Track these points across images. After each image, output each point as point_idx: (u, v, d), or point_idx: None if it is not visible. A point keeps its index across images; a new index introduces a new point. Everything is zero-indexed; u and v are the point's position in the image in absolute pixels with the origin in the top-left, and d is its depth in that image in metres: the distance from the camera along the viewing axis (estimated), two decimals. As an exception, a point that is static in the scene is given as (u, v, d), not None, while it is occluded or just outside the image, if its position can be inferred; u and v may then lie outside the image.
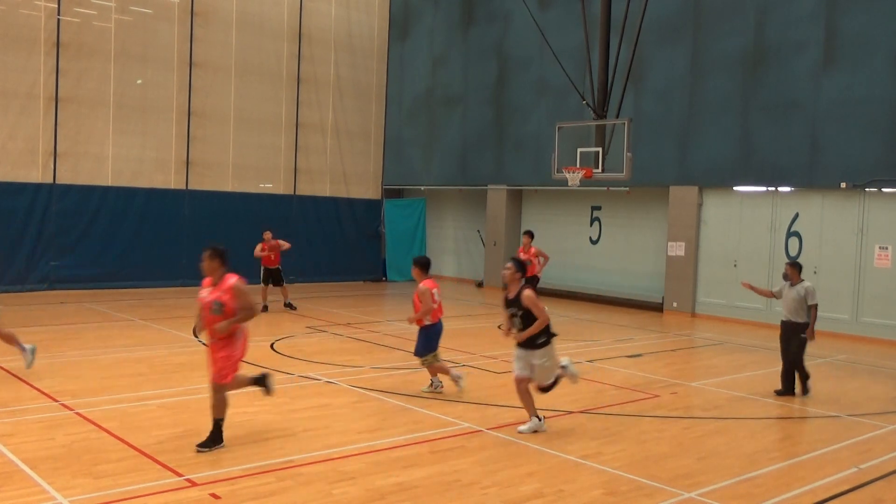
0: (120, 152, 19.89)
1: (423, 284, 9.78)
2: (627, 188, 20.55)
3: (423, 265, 9.97)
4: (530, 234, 16.67)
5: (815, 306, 10.73)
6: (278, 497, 6.28)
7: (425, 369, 10.15)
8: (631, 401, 10.19)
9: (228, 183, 21.75)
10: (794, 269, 10.98)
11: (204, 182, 21.24)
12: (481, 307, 20.05)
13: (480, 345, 13.96)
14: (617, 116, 16.47)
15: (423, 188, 26.86)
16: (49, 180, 18.87)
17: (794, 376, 10.91)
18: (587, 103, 16.94)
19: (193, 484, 6.47)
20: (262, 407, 8.98)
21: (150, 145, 20.36)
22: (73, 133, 19.14)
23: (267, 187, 22.68)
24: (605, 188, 21.08)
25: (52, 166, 18.91)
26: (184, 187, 20.92)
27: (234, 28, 21.64)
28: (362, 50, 24.46)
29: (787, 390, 10.86)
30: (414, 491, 6.54)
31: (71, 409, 8.59)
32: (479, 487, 6.71)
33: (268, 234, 17.53)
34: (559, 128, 17.12)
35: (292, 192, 23.11)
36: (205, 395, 9.38)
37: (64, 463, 6.84)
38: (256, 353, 12.19)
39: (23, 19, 18.31)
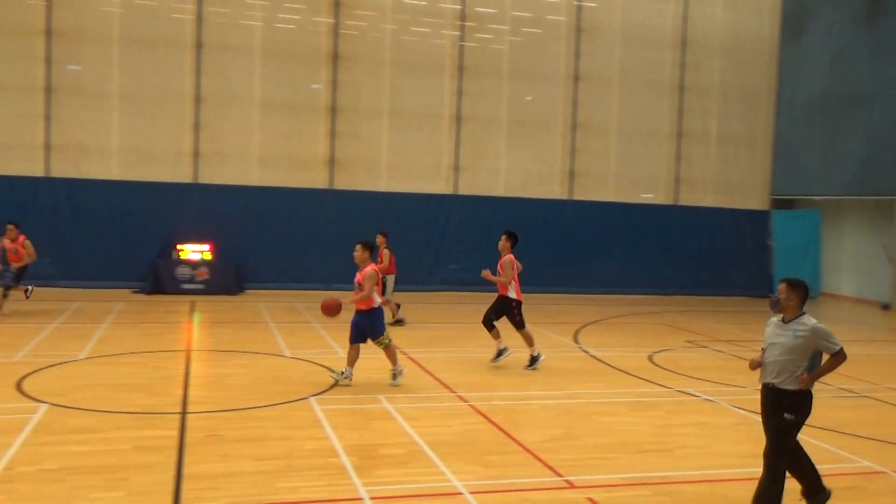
0: (512, 165, 21.41)
1: (370, 268, 9.81)
2: None
3: (369, 247, 10.00)
4: (511, 235, 11.33)
5: (841, 354, 6.00)
6: (655, 511, 6.24)
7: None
8: None
9: (611, 193, 22.16)
10: (795, 293, 6.07)
11: (586, 192, 21.90)
12: (887, 332, 17.81)
13: (886, 374, 12.42)
14: None
15: (817, 198, 24.64)
16: (452, 191, 20.97)
17: (803, 476, 6.34)
18: None
19: (572, 486, 6.71)
20: (637, 418, 8.99)
21: (537, 158, 21.60)
22: (472, 148, 21.05)
23: (647, 198, 22.64)
24: None
25: (454, 179, 20.98)
26: (567, 197, 21.79)
27: (619, 41, 22.00)
28: (750, 53, 23.26)
29: (814, 497, 6.33)
30: (803, 528, 6.05)
31: (465, 401, 9.44)
32: (882, 536, 5.99)
33: (380, 238, 14.82)
34: None
35: (674, 202, 22.78)
36: (587, 401, 9.69)
37: (458, 449, 7.54)
38: (634, 363, 12.25)
39: (433, 48, 20.64)
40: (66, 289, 17.80)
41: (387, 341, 9.93)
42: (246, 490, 6.28)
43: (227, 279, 18.77)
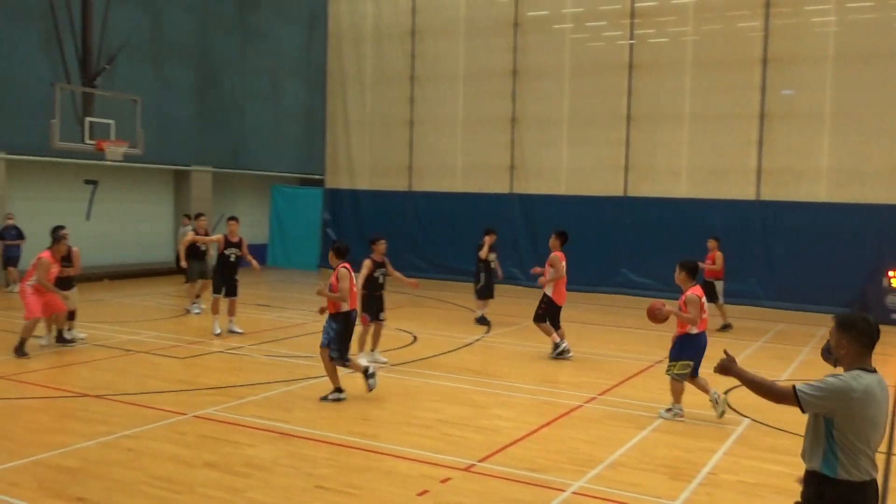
0: None
1: (692, 292, 8.85)
2: None
3: (692, 270, 9.02)
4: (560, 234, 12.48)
5: (786, 394, 4.05)
6: None
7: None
8: None
9: None
10: (846, 336, 4.01)
11: None
12: None
13: None
14: None
15: None
16: None
17: None
18: None
19: None
20: None
21: None
22: None
23: None
24: None
25: None
26: None
27: None
28: None
29: None
30: None
31: None
32: None
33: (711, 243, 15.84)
34: None
35: None
36: None
37: None
38: None
39: None
40: (771, 309, 18.24)
41: (675, 372, 8.84)
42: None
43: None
